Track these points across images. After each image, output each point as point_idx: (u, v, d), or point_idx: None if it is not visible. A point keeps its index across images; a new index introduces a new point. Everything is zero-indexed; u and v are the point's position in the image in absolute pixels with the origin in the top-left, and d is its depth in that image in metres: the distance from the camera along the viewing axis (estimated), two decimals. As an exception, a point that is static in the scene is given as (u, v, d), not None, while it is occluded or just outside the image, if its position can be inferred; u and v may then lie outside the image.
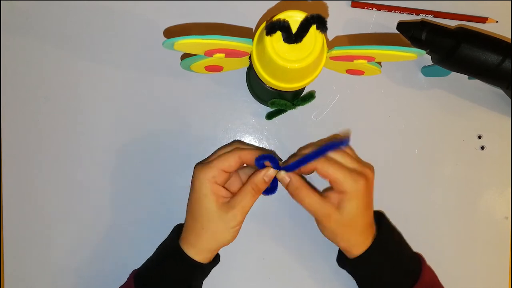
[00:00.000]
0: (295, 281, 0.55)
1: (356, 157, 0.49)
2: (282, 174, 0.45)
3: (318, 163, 0.44)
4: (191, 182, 0.46)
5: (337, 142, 0.43)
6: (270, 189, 0.47)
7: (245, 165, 0.48)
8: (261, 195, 0.47)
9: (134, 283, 0.46)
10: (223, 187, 0.47)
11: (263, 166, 0.46)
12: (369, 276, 0.48)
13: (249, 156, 0.46)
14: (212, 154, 0.50)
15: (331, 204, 0.45)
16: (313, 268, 0.55)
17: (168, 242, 0.48)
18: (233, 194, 0.46)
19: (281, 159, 0.51)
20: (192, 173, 0.47)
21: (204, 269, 0.47)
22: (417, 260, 0.49)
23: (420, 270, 0.47)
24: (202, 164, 0.47)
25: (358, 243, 0.46)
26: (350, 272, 0.50)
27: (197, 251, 0.45)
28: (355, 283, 0.50)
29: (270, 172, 0.45)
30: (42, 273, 0.53)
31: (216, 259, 0.49)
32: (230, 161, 0.45)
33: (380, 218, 0.49)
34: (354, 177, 0.44)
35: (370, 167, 0.48)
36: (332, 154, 0.46)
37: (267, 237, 0.55)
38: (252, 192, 0.45)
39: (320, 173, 0.45)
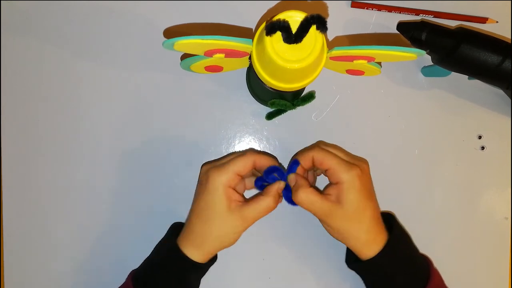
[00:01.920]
0: (295, 281, 0.55)
1: (349, 153, 0.50)
2: (291, 176, 0.47)
3: (315, 152, 0.46)
4: (203, 183, 0.46)
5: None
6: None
7: None
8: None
9: (133, 284, 0.45)
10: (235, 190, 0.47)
11: (272, 178, 0.47)
12: (381, 279, 0.47)
13: (264, 162, 0.47)
14: (224, 157, 0.51)
15: (331, 201, 0.45)
16: (313, 268, 0.55)
17: (166, 242, 0.48)
18: (243, 197, 0.47)
19: (284, 168, 0.51)
20: (205, 173, 0.46)
21: (203, 269, 0.47)
22: (426, 263, 0.49)
23: (429, 274, 0.47)
24: (216, 166, 0.46)
25: (369, 241, 0.45)
26: (360, 273, 0.49)
27: (201, 253, 0.45)
28: (356, 283, 0.50)
29: (282, 185, 0.47)
30: (42, 273, 0.53)
31: (214, 258, 0.49)
32: (245, 165, 0.46)
33: (391, 220, 0.49)
34: (348, 165, 0.45)
35: (364, 160, 0.49)
36: (327, 147, 0.48)
37: (267, 237, 0.55)
38: (265, 204, 0.45)
39: (316, 162, 0.46)
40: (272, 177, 0.47)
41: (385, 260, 0.46)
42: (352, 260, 0.49)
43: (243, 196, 0.48)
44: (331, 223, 0.46)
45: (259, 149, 0.56)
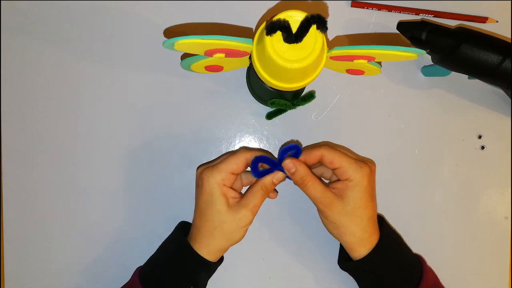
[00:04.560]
0: (295, 281, 0.55)
1: (356, 154, 0.51)
2: (289, 164, 0.46)
3: (325, 151, 0.46)
4: (200, 185, 0.47)
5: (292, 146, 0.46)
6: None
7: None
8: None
9: (140, 281, 0.46)
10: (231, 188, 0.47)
11: (259, 172, 0.47)
12: (372, 278, 0.47)
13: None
14: (217, 158, 0.51)
15: (334, 193, 0.46)
16: (313, 268, 0.55)
17: (174, 239, 0.48)
18: (240, 194, 0.47)
19: (275, 158, 0.51)
20: (199, 176, 0.47)
21: (213, 267, 0.47)
22: (418, 261, 0.49)
23: (422, 271, 0.47)
24: (209, 167, 0.47)
25: (363, 240, 0.46)
26: (352, 273, 0.50)
27: (209, 251, 0.46)
28: (355, 284, 0.50)
29: (279, 175, 0.46)
30: (43, 273, 0.53)
31: (221, 258, 0.49)
32: (238, 163, 0.46)
33: (381, 221, 0.49)
34: (359, 164, 0.46)
35: (371, 161, 0.50)
36: (336, 146, 0.48)
37: (267, 237, 0.55)
38: (262, 192, 0.46)
39: (326, 160, 0.46)
40: (258, 170, 0.47)
41: (376, 259, 0.46)
42: (344, 260, 0.49)
43: (240, 193, 0.49)
44: (329, 214, 0.46)
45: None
